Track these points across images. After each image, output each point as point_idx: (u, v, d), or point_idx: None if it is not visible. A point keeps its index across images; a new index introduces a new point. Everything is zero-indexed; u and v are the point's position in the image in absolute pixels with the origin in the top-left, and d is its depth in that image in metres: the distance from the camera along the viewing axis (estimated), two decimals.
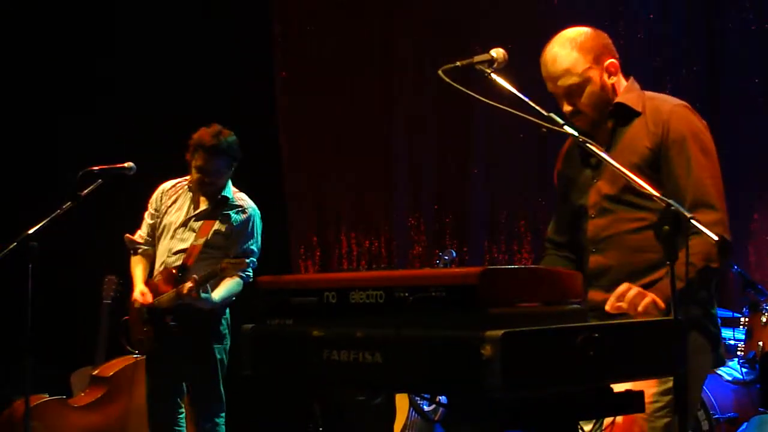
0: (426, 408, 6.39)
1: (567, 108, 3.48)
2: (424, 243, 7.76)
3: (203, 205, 5.60)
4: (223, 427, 5.62)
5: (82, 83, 7.76)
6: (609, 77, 3.48)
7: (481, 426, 2.71)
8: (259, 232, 5.64)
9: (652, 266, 3.33)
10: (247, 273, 5.52)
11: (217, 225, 5.52)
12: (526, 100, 3.18)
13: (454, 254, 6.83)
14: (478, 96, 3.22)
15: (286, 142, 8.13)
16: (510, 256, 7.41)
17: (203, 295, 5.27)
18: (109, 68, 7.78)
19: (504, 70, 3.28)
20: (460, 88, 3.20)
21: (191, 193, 5.64)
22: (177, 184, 5.73)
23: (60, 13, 7.82)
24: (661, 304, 3.10)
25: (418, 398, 6.32)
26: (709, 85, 7.06)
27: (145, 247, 5.73)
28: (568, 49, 3.44)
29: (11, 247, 4.93)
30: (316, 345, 2.69)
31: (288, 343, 2.83)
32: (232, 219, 5.54)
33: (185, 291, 5.26)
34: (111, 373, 6.59)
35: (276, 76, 8.13)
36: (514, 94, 3.20)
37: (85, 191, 5.18)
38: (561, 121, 3.22)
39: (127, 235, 5.77)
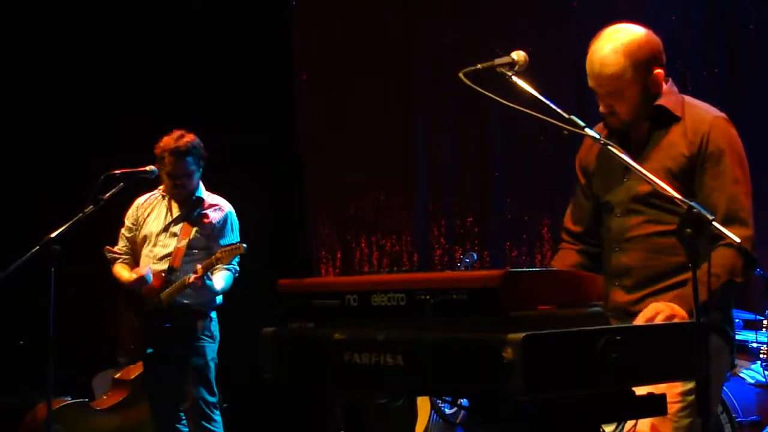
0: (447, 411, 6.37)
1: (603, 109, 3.46)
2: (446, 246, 7.74)
3: (178, 210, 5.78)
4: (221, 425, 5.76)
5: (91, 85, 7.81)
6: (654, 86, 3.43)
7: (502, 429, 2.71)
8: (237, 228, 5.84)
9: (675, 269, 3.34)
10: (235, 268, 5.73)
11: (196, 226, 5.72)
12: (548, 102, 3.16)
13: (476, 257, 6.82)
14: (498, 98, 3.21)
15: (306, 146, 8.14)
16: (531, 259, 7.39)
17: (207, 282, 5.47)
18: (116, 70, 7.84)
19: (524, 72, 3.27)
20: (481, 90, 3.19)
21: (165, 201, 5.83)
22: (150, 196, 5.92)
23: (67, 14, 7.86)
24: (687, 318, 3.12)
25: (440, 401, 6.30)
26: (731, 84, 7.00)
27: (126, 257, 5.89)
28: (617, 55, 3.37)
29: (34, 250, 4.96)
30: (338, 348, 2.69)
31: (309, 346, 2.83)
32: (211, 217, 5.75)
33: (192, 280, 5.46)
34: (132, 376, 6.63)
35: (296, 79, 8.13)
36: (536, 96, 3.19)
37: (107, 195, 5.20)
38: (582, 124, 3.20)
39: (108, 246, 5.90)
